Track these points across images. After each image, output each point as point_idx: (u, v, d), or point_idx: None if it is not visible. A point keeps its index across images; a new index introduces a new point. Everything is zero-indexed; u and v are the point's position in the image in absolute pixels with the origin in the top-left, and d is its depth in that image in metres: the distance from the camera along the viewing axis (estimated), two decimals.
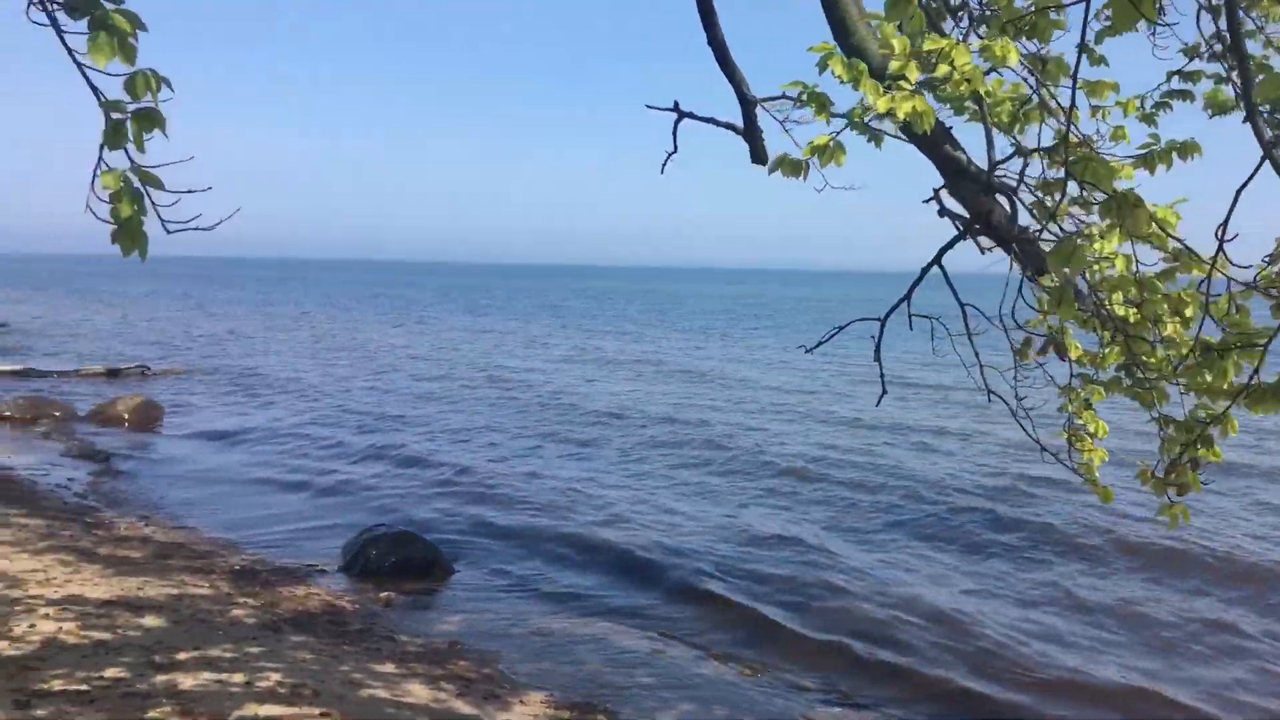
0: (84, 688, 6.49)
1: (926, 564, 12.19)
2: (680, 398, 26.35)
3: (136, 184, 2.59)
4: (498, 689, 7.82)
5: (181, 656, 7.35)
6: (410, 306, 78.03)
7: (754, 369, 34.62)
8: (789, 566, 11.75)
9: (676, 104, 6.48)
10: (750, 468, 17.47)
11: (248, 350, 38.09)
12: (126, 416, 20.28)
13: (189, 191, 2.63)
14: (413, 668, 7.98)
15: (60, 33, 2.47)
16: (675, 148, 6.79)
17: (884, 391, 6.46)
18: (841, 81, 3.14)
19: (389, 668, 7.89)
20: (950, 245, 5.31)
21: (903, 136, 4.49)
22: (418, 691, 7.36)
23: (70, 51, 2.50)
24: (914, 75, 3.23)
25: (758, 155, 6.31)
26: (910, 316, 5.82)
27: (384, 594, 10.29)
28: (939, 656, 9.37)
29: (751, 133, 6.13)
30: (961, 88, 3.21)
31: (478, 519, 13.67)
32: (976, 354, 5.74)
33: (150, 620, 8.23)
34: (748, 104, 5.99)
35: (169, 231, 2.67)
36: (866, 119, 3.51)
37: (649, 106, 6.95)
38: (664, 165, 7.07)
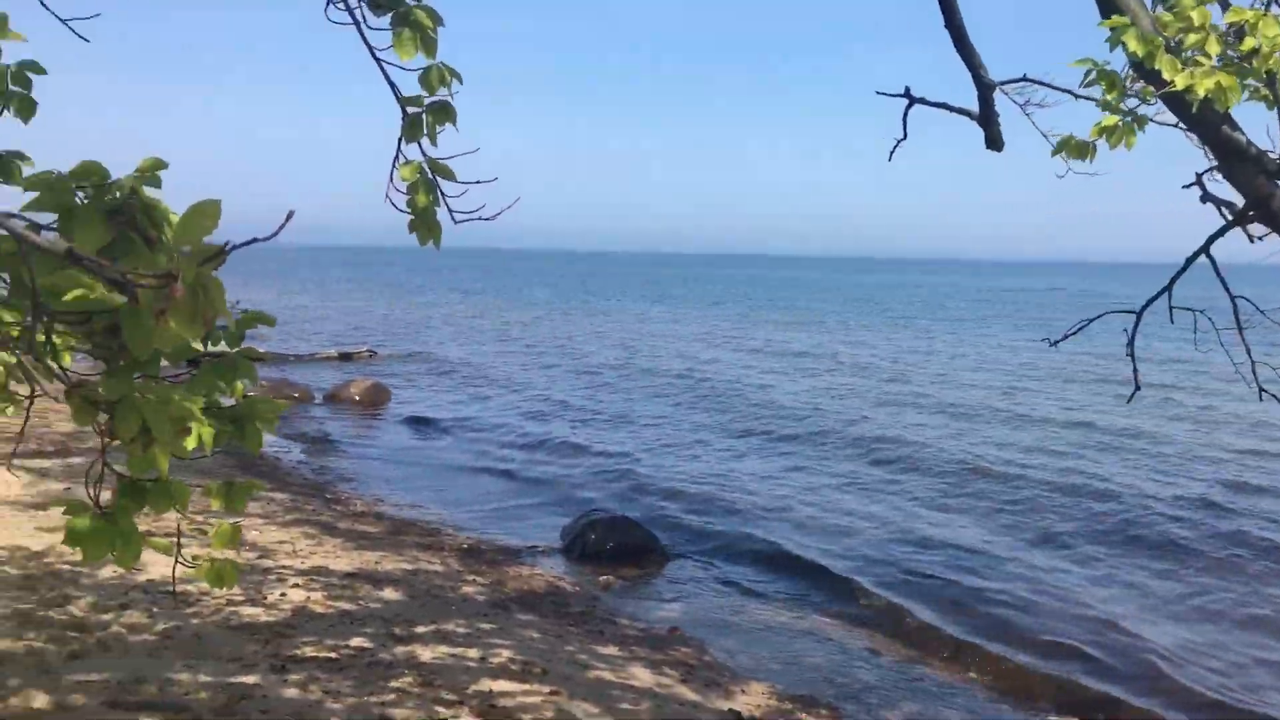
0: (333, 655, 6.86)
1: (1126, 574, 11.56)
2: (870, 395, 25.61)
3: (430, 175, 2.67)
4: (719, 677, 7.82)
5: (419, 630, 7.67)
6: (617, 296, 79.48)
7: (945, 364, 33.39)
8: (984, 578, 11.25)
9: (908, 90, 6.29)
10: (938, 469, 16.81)
11: (462, 338, 39.63)
12: (358, 398, 21.42)
13: (476, 182, 2.70)
14: (635, 651, 8.08)
15: (362, 30, 2.57)
16: (905, 134, 6.61)
17: (1137, 388, 6.13)
18: (1136, 58, 2.95)
19: (612, 650, 8.02)
20: (1220, 234, 4.96)
21: (1164, 121, 4.21)
22: (641, 675, 7.44)
23: (371, 48, 2.59)
24: (1214, 49, 3.00)
25: (993, 141, 6.07)
26: (1171, 309, 5.50)
27: (603, 577, 10.48)
28: (1145, 686, 8.81)
29: (988, 118, 5.89)
30: (1270, 62, 2.95)
31: (673, 512, 13.68)
32: (1248, 350, 5.37)
33: (389, 593, 8.63)
34: (985, 88, 5.76)
35: (456, 221, 2.75)
36: (1149, 99, 3.28)
37: (879, 93, 6.78)
38: (892, 153, 6.89)
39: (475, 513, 13.27)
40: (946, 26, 5.62)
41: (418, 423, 19.97)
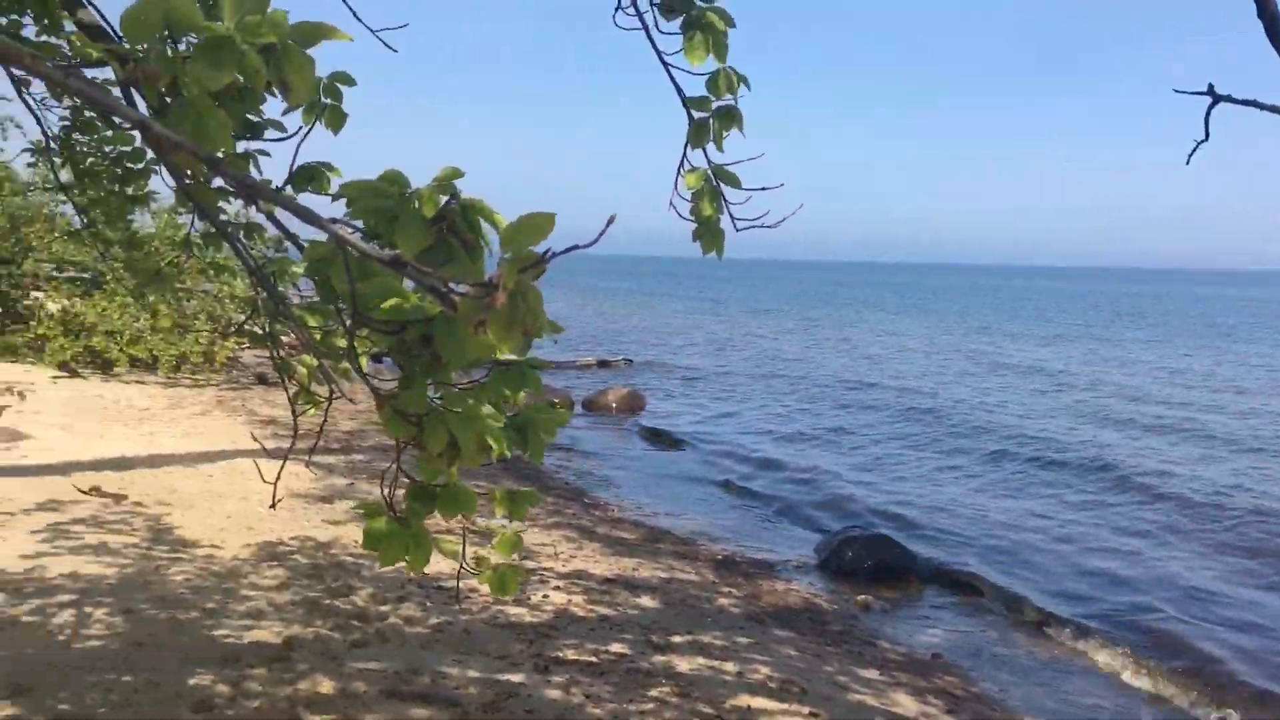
0: (593, 660, 6.94)
1: None
2: (1128, 417, 23.54)
3: (715, 182, 2.60)
4: (989, 711, 7.42)
5: (676, 639, 7.67)
6: (852, 306, 78.13)
7: (1216, 385, 30.44)
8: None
9: (1211, 87, 5.75)
10: (1201, 502, 15.20)
11: (711, 347, 39.89)
12: (615, 405, 21.88)
13: (762, 189, 2.60)
14: (896, 676, 7.78)
15: (650, 35, 2.52)
16: (1207, 135, 6.05)
17: None
18: None
19: (873, 674, 7.75)
20: None
21: None
22: (904, 702, 7.15)
23: (659, 53, 2.54)
24: None
25: None
26: None
27: (861, 597, 10.19)
28: None
29: None
30: None
31: (922, 534, 13.06)
32: None
33: (646, 601, 8.69)
34: None
35: (738, 229, 2.66)
36: None
37: (1177, 91, 6.24)
38: (1190, 155, 6.33)
39: (724, 524, 13.22)
40: (1259, 16, 5.12)
41: (667, 432, 20.12)
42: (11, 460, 10.87)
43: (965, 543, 12.81)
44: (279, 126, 2.87)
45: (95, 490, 9.92)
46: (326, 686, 5.81)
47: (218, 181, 2.63)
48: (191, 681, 5.65)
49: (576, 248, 1.07)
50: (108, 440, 12.51)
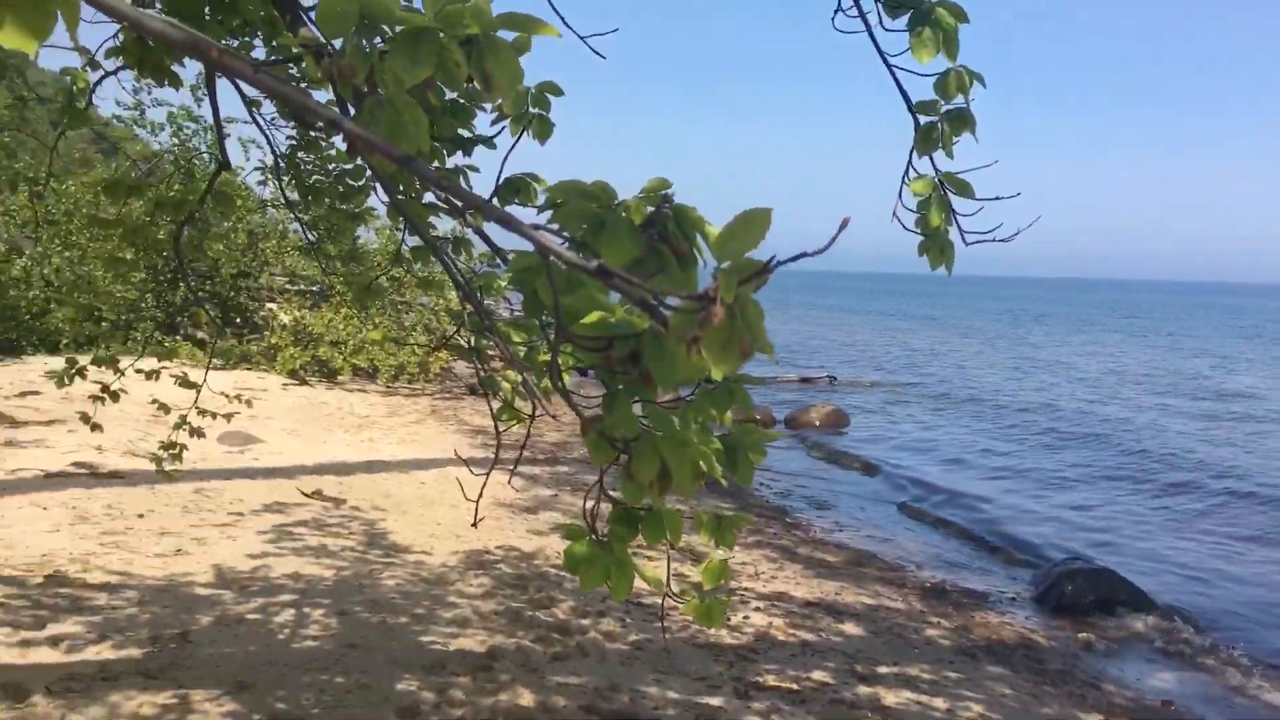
0: (794, 687, 6.73)
1: None
2: None
3: (943, 191, 2.40)
4: None
5: (881, 670, 7.36)
6: (1060, 327, 74.37)
7: None
8: None
9: None
10: None
11: (916, 366, 38.73)
12: (818, 423, 21.51)
13: (995, 198, 2.39)
14: None
15: (873, 34, 2.36)
16: None
17: None
18: None
19: (1096, 719, 7.23)
20: None
21: None
22: None
23: (882, 54, 2.38)
24: None
25: None
26: None
27: (1082, 634, 9.55)
28: None
29: None
30: None
31: (1142, 571, 12.14)
32: None
33: (849, 628, 8.40)
34: None
35: (966, 243, 2.45)
36: None
37: None
38: None
39: (930, 550, 12.69)
40: None
41: (867, 454, 19.56)
42: (244, 463, 11.54)
43: (1186, 584, 11.87)
44: (488, 143, 2.86)
45: (317, 494, 10.40)
46: (527, 699, 5.83)
47: (428, 197, 2.63)
48: (399, 686, 5.78)
49: (805, 255, 0.93)
50: (330, 445, 13.14)
